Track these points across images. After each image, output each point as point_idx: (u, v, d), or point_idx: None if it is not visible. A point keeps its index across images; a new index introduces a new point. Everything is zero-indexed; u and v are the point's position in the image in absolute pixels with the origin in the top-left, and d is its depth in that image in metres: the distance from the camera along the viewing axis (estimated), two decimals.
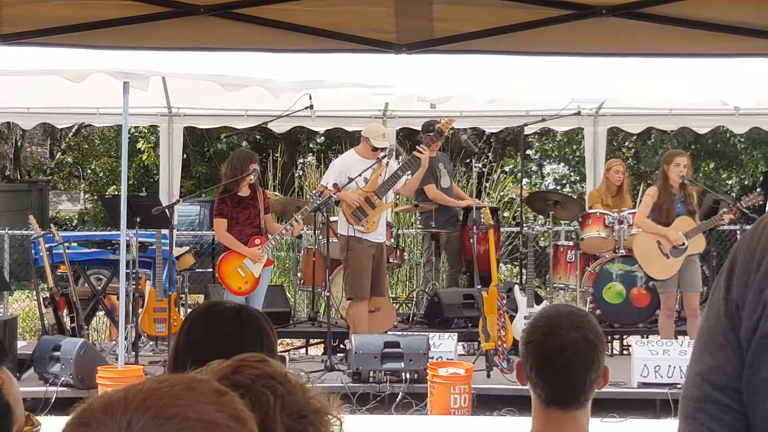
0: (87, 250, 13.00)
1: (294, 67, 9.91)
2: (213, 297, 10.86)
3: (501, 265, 15.63)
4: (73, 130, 26.60)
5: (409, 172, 10.28)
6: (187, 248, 12.19)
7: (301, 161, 24.23)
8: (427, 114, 12.07)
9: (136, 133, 23.12)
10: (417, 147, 10.08)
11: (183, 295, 10.93)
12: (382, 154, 9.96)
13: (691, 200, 9.74)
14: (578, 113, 11.84)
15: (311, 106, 11.30)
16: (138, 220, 9.75)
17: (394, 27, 4.60)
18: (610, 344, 11.71)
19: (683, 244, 9.54)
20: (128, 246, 9.68)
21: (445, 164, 12.11)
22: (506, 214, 17.34)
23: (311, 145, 25.48)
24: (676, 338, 9.71)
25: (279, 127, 13.35)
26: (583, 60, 9.55)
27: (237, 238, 9.65)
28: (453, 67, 9.65)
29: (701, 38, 4.53)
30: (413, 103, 11.87)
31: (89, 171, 27.18)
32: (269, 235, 9.79)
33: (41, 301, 10.43)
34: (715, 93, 11.04)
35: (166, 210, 9.71)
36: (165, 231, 10.19)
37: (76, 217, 26.77)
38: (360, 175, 9.84)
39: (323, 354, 10.67)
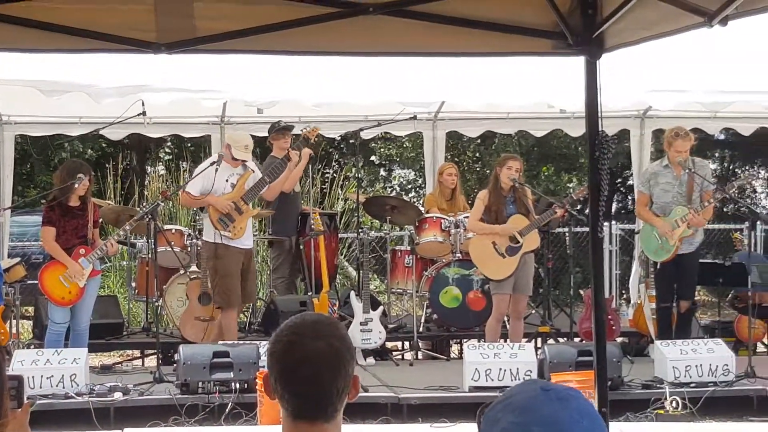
0: None
1: (118, 72, 9.65)
2: (42, 309, 10.55)
3: (350, 270, 15.58)
4: None
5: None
6: (18, 260, 11.78)
7: (152, 169, 23.83)
8: (259, 120, 11.80)
9: None
10: (289, 150, 9.93)
11: (14, 308, 10.57)
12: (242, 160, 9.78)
13: (524, 200, 9.73)
14: (414, 117, 11.81)
15: (144, 113, 11.00)
16: None
17: (154, 26, 4.41)
18: (448, 348, 11.72)
19: (518, 242, 9.55)
20: None
21: None
22: (354, 219, 17.27)
23: (161, 154, 24.98)
24: (504, 341, 9.75)
25: (114, 135, 13.06)
26: (415, 64, 9.57)
27: (63, 247, 9.38)
28: (280, 71, 9.52)
29: (471, 36, 4.49)
30: (243, 108, 11.68)
31: None
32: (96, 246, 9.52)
33: None
34: (542, 97, 11.18)
35: None
36: None
37: None
38: (227, 180, 9.70)
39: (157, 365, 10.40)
